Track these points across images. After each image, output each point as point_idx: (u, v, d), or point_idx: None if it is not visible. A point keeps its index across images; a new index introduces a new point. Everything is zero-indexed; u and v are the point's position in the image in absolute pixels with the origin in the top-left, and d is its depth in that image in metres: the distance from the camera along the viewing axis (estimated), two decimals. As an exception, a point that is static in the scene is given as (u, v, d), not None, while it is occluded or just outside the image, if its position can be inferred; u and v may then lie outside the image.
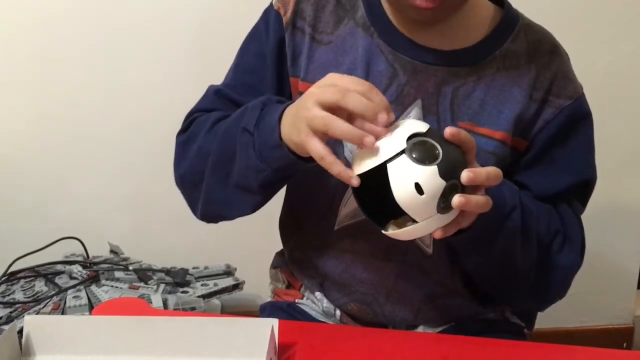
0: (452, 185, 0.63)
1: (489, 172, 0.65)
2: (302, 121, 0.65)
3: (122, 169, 1.54)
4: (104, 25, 1.45)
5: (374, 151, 0.63)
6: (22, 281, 1.35)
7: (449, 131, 0.64)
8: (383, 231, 0.69)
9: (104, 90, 1.48)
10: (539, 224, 0.80)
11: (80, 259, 1.43)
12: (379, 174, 0.63)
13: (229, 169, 0.77)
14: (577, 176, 0.84)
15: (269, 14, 0.85)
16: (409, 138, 0.63)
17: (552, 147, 0.82)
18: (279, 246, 0.97)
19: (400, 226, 0.68)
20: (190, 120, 0.85)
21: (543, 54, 0.82)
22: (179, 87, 1.42)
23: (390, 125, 0.65)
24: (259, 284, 1.12)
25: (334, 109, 0.65)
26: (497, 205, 0.69)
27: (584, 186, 0.85)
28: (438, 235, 0.66)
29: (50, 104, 1.48)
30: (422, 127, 0.65)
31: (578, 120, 0.82)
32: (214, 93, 0.86)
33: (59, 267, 1.39)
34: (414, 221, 0.65)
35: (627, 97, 1.57)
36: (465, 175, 0.63)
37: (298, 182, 0.86)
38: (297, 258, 0.92)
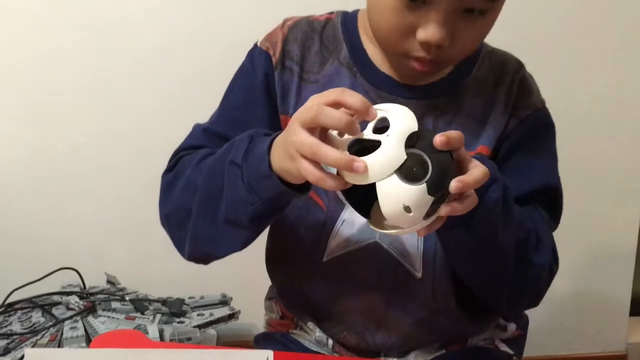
0: (440, 197, 0.63)
1: (477, 178, 0.64)
2: (292, 146, 0.65)
3: (118, 200, 1.56)
4: (101, 57, 1.49)
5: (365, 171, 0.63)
6: (19, 312, 1.36)
7: (439, 141, 0.63)
8: (371, 226, 0.69)
9: (101, 120, 1.52)
10: (517, 212, 0.80)
11: (77, 289, 1.45)
12: (366, 186, 0.63)
13: (216, 204, 0.76)
14: (538, 182, 0.85)
15: (254, 52, 0.87)
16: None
17: (513, 154, 0.85)
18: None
19: (377, 214, 0.68)
20: (177, 159, 0.85)
21: (508, 73, 0.86)
22: (177, 117, 1.45)
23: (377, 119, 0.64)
24: (255, 313, 1.12)
25: (319, 128, 0.65)
26: None
27: (548, 193, 0.86)
28: (422, 234, 0.66)
29: (47, 133, 1.52)
30: (411, 122, 0.64)
31: (538, 129, 0.86)
32: (201, 131, 0.87)
33: (56, 297, 1.40)
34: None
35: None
36: (454, 186, 0.63)
37: (283, 215, 0.86)
38: (287, 292, 0.94)
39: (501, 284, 0.81)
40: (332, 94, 0.65)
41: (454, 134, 0.64)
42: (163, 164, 0.90)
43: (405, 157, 0.62)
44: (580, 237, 1.65)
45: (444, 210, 0.64)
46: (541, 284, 0.85)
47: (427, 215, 0.64)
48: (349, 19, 0.87)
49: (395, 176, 0.61)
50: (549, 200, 0.87)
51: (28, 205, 1.55)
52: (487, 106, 0.85)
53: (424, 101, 0.82)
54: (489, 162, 0.75)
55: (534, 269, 0.82)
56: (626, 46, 1.59)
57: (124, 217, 1.57)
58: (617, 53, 1.59)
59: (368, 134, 0.64)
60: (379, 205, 0.65)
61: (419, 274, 0.85)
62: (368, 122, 0.65)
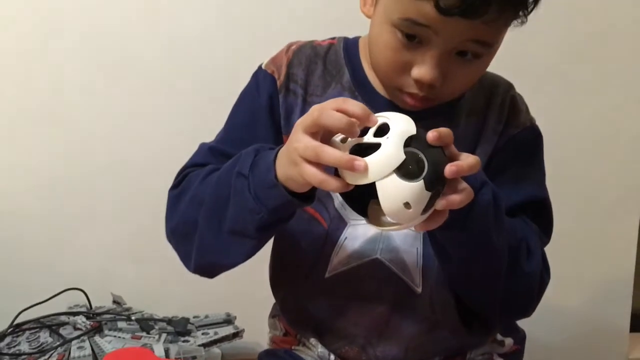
0: (436, 192, 0.66)
1: (470, 164, 0.67)
2: (295, 153, 0.67)
3: (123, 221, 1.58)
4: (109, 88, 1.52)
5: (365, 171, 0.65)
6: (27, 332, 1.37)
7: (432, 136, 0.66)
8: (370, 224, 0.71)
9: (104, 142, 1.54)
10: (507, 220, 0.82)
11: (83, 309, 1.46)
12: (366, 185, 0.66)
13: (222, 215, 0.78)
14: (526, 194, 0.88)
15: (259, 75, 0.90)
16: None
17: (502, 170, 0.87)
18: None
19: (380, 207, 0.69)
20: (183, 176, 0.88)
21: (498, 94, 0.90)
22: (180, 138, 1.48)
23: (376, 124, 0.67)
24: (258, 331, 1.14)
25: (321, 133, 0.68)
26: (468, 179, 0.70)
27: (536, 205, 0.89)
28: (419, 229, 0.69)
29: (52, 156, 1.54)
30: (409, 126, 0.67)
31: (525, 145, 0.89)
32: (207, 149, 0.89)
33: (63, 318, 1.42)
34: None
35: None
36: (448, 170, 0.65)
37: (284, 233, 0.90)
38: (290, 308, 0.96)
39: (494, 291, 0.83)
40: (333, 102, 0.68)
41: (444, 130, 0.67)
42: (168, 185, 0.91)
43: (404, 157, 0.64)
44: (578, 254, 1.66)
45: (440, 203, 0.66)
46: (533, 293, 0.86)
47: (425, 210, 0.66)
48: (350, 45, 0.91)
49: (394, 175, 0.64)
50: (538, 213, 0.89)
51: (35, 227, 1.56)
52: (479, 126, 0.88)
53: (420, 122, 0.85)
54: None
55: (525, 277, 0.84)
56: (620, 69, 1.62)
57: (129, 238, 1.59)
58: (611, 76, 1.63)
59: (368, 138, 0.67)
60: (375, 204, 0.68)
61: (418, 289, 0.88)
62: (369, 128, 0.67)
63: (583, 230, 1.64)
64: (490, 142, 0.88)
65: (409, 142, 0.65)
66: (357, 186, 0.67)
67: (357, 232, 0.87)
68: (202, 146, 0.91)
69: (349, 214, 0.87)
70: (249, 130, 0.88)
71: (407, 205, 0.64)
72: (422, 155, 0.65)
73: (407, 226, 0.68)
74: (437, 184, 0.65)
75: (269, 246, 0.86)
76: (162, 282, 1.59)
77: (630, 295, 1.74)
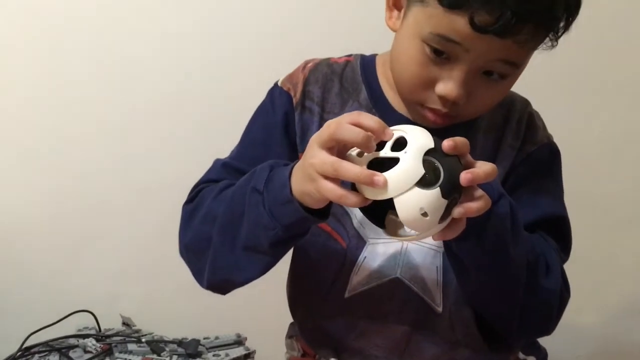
0: (453, 200, 0.65)
1: (486, 171, 0.66)
2: (311, 168, 0.67)
3: (131, 242, 1.57)
4: (116, 107, 1.52)
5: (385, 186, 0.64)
6: (36, 356, 1.35)
7: (447, 145, 0.65)
8: (387, 234, 0.71)
9: (114, 162, 1.54)
10: (525, 235, 0.81)
11: (93, 332, 1.44)
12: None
13: (236, 231, 0.77)
14: (544, 211, 0.87)
15: (275, 92, 0.90)
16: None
17: (519, 187, 0.87)
18: (289, 315, 0.99)
19: (393, 221, 0.71)
20: (197, 191, 0.87)
21: (516, 111, 0.89)
22: (189, 157, 1.48)
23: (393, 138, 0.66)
24: (270, 352, 1.13)
25: (337, 147, 0.67)
26: (485, 190, 0.69)
27: (555, 222, 0.88)
28: (436, 239, 0.68)
29: (60, 177, 1.54)
30: (427, 140, 0.66)
31: (543, 162, 0.89)
32: (221, 165, 0.89)
33: (72, 340, 1.39)
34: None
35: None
36: (465, 177, 0.64)
37: (303, 253, 0.89)
38: (309, 328, 0.95)
39: (512, 307, 0.82)
40: (348, 116, 0.67)
41: (459, 139, 0.66)
42: (175, 205, 0.91)
43: (423, 171, 0.64)
44: (596, 269, 1.65)
45: (457, 211, 0.65)
46: (552, 310, 0.85)
47: (442, 219, 0.65)
48: (367, 63, 0.90)
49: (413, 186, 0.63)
50: (556, 230, 0.88)
51: (42, 250, 1.56)
52: (496, 143, 0.88)
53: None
54: (495, 182, 0.76)
55: (544, 294, 0.83)
56: (628, 87, 1.62)
57: (137, 259, 1.58)
58: (619, 94, 1.62)
59: (385, 152, 0.66)
60: (392, 215, 0.68)
61: (439, 308, 0.87)
62: (385, 142, 0.66)
63: (600, 245, 1.62)
64: (507, 159, 0.88)
65: (426, 154, 0.65)
66: (376, 205, 0.67)
67: (377, 251, 0.86)
68: (217, 162, 0.91)
69: (368, 232, 0.86)
70: (263, 148, 0.88)
71: (424, 214, 0.64)
72: (438, 164, 0.65)
73: (424, 235, 0.67)
74: (453, 192, 0.65)
75: (281, 266, 0.84)
76: (171, 303, 1.58)
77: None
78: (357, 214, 0.86)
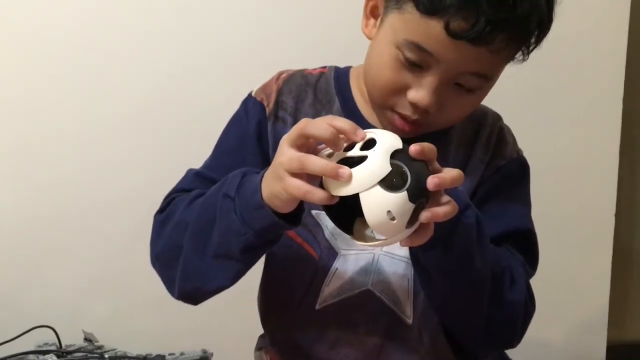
0: (420, 204, 0.66)
1: (453, 176, 0.67)
2: (280, 167, 0.67)
3: (94, 254, 1.54)
4: (82, 115, 1.49)
5: (354, 178, 0.65)
6: (-7, 373, 1.32)
7: (414, 150, 0.66)
8: (353, 239, 0.71)
9: (76, 173, 1.51)
10: (490, 247, 0.82)
11: (53, 347, 1.40)
12: (350, 197, 0.65)
13: (207, 238, 0.77)
14: (511, 225, 0.88)
15: (248, 102, 0.90)
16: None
17: (487, 200, 0.88)
18: (257, 328, 0.98)
19: (360, 230, 0.71)
20: (169, 201, 0.87)
21: (487, 125, 0.91)
22: (155, 168, 1.47)
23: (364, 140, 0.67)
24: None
25: (307, 147, 0.68)
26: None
27: (521, 236, 0.89)
28: (404, 244, 0.68)
29: (20, 187, 1.50)
30: (396, 141, 0.67)
31: (511, 176, 0.90)
32: (194, 175, 0.89)
33: (32, 357, 1.35)
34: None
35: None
36: (431, 181, 0.64)
37: (275, 263, 0.89)
38: (280, 339, 0.94)
39: (476, 317, 0.82)
40: (321, 118, 0.68)
41: (426, 144, 0.67)
42: (139, 218, 0.90)
43: (389, 169, 0.64)
44: (556, 285, 1.68)
45: (424, 215, 0.65)
46: (516, 323, 0.86)
47: (409, 223, 0.66)
48: (341, 74, 0.91)
49: (378, 186, 0.64)
50: (523, 244, 0.89)
51: (2, 264, 1.52)
52: (466, 156, 0.89)
53: None
54: (461, 191, 0.78)
55: (509, 306, 0.84)
56: (590, 104, 1.67)
57: (101, 273, 1.55)
58: (582, 111, 1.67)
59: (355, 151, 0.67)
60: (360, 222, 0.69)
61: (409, 320, 0.87)
62: (356, 144, 0.67)
63: (559, 262, 1.65)
64: (477, 172, 0.89)
65: (394, 155, 0.66)
66: (342, 202, 0.67)
67: (348, 263, 0.87)
68: (189, 172, 0.91)
69: (340, 243, 0.87)
70: (236, 157, 0.88)
71: (391, 217, 0.64)
72: (405, 168, 0.65)
73: (392, 241, 0.67)
74: (420, 196, 0.65)
75: (247, 279, 0.84)
76: (135, 317, 1.55)
77: (605, 328, 1.76)
78: (328, 225, 0.86)
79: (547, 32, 0.79)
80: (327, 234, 0.86)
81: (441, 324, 0.88)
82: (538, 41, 0.79)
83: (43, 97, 1.48)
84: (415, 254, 0.78)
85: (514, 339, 0.88)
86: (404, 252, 0.84)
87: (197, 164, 0.93)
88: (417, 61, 0.76)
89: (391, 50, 0.77)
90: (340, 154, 0.67)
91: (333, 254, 0.86)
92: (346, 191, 0.65)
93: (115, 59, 1.49)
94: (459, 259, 0.76)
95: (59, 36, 1.47)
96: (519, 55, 0.80)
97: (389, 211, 0.64)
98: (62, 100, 1.49)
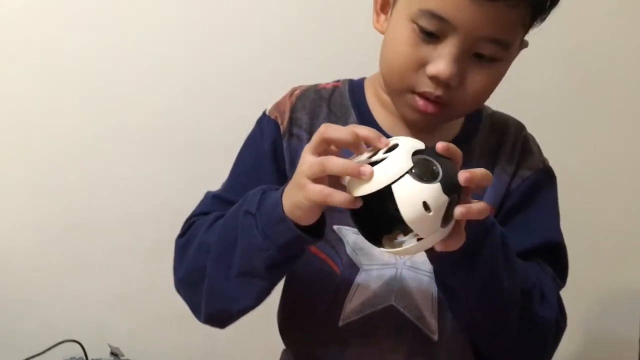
0: (453, 199, 0.64)
1: (483, 172, 0.65)
2: (301, 175, 0.67)
3: (120, 269, 1.55)
4: (100, 123, 1.51)
5: (375, 176, 0.63)
6: (21, 388, 1.33)
7: (440, 146, 0.65)
8: (387, 249, 0.68)
9: (103, 188, 1.53)
10: (519, 264, 0.80)
11: (80, 362, 1.42)
12: (380, 196, 0.64)
13: (231, 257, 0.76)
14: (540, 238, 0.86)
15: (263, 121, 0.90)
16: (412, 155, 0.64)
17: (515, 212, 0.86)
18: (281, 343, 0.97)
19: (391, 240, 0.69)
20: (189, 224, 0.87)
21: (510, 135, 0.89)
22: (180, 183, 1.47)
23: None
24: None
25: (328, 151, 0.67)
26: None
27: (551, 249, 0.87)
28: (439, 247, 0.66)
29: (46, 203, 1.52)
30: (418, 144, 0.66)
31: (538, 187, 0.88)
32: (212, 198, 0.88)
33: (59, 371, 1.37)
34: (405, 234, 0.67)
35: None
36: (462, 176, 0.63)
37: (296, 279, 0.88)
38: (302, 357, 0.93)
39: (506, 336, 0.80)
40: (344, 127, 0.67)
41: (452, 145, 0.66)
42: (164, 235, 0.89)
43: (412, 164, 0.63)
44: (585, 298, 1.64)
45: (458, 210, 0.63)
46: (547, 339, 0.84)
47: (445, 220, 0.64)
48: (355, 86, 0.90)
49: (408, 176, 0.63)
50: (553, 256, 0.87)
51: (28, 278, 1.54)
52: (490, 167, 0.86)
53: None
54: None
55: (539, 323, 0.81)
56: (621, 108, 1.63)
57: (127, 288, 1.55)
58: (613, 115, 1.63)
59: (377, 156, 0.66)
60: (389, 239, 0.67)
61: (435, 336, 0.85)
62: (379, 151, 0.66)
63: (590, 275, 1.61)
64: (502, 184, 0.87)
65: (417, 153, 0.65)
66: (370, 215, 0.65)
67: (371, 278, 0.85)
68: (207, 195, 0.90)
69: (362, 258, 0.85)
70: (253, 176, 0.87)
71: (426, 207, 0.62)
72: (434, 161, 0.64)
73: (427, 243, 0.65)
74: (453, 190, 0.64)
75: (272, 294, 0.83)
76: (161, 332, 1.55)
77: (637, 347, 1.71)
78: (349, 240, 0.85)
79: None
80: (348, 249, 0.85)
81: (470, 343, 0.86)
82: (552, 3, 0.77)
83: (70, 112, 1.50)
84: (441, 276, 0.77)
85: (545, 355, 0.85)
86: (428, 265, 0.82)
87: (221, 177, 0.92)
88: (433, 30, 0.74)
89: (406, 24, 0.76)
90: (363, 160, 0.66)
91: (355, 269, 0.85)
92: (369, 189, 0.63)
93: (143, 74, 1.51)
94: (485, 279, 0.74)
95: (84, 53, 1.48)
96: (535, 22, 0.78)
97: (424, 202, 0.62)
98: (90, 115, 1.50)
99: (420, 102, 0.78)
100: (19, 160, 1.50)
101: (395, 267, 0.85)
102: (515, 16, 0.75)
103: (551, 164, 0.92)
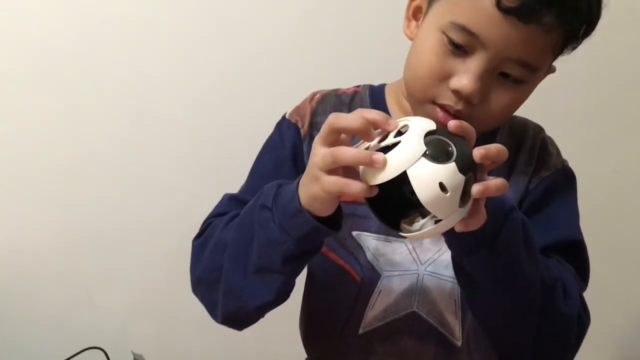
0: (469, 177, 0.63)
1: (497, 147, 0.65)
2: (314, 167, 0.66)
3: (142, 277, 1.56)
4: (122, 140, 1.51)
5: (389, 162, 0.63)
6: (46, 395, 1.34)
7: (453, 124, 0.64)
8: (406, 234, 0.67)
9: (124, 197, 1.53)
10: (542, 259, 0.79)
11: (103, 369, 1.43)
12: (395, 182, 0.63)
13: (248, 253, 0.75)
14: (560, 235, 0.85)
15: (283, 124, 0.89)
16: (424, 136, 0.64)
17: (534, 211, 0.85)
18: (303, 351, 0.97)
19: (409, 224, 0.68)
20: (206, 225, 0.86)
21: (528, 137, 0.88)
22: (199, 191, 1.47)
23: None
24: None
25: (338, 141, 0.66)
26: (496, 202, 0.68)
27: (571, 246, 0.85)
28: (459, 228, 0.65)
29: (70, 212, 1.53)
30: (429, 124, 0.65)
31: (558, 187, 0.87)
32: (228, 199, 0.88)
33: (83, 379, 1.38)
34: (423, 217, 0.66)
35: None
36: (477, 152, 0.63)
37: (316, 287, 0.87)
38: None
39: (525, 331, 0.78)
40: (351, 113, 0.67)
41: (465, 122, 0.65)
42: (185, 242, 0.89)
43: (424, 147, 0.62)
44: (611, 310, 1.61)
45: (476, 189, 0.62)
46: (570, 336, 0.82)
47: (462, 200, 0.63)
48: (376, 92, 0.89)
49: (423, 159, 0.62)
50: (573, 254, 0.86)
51: (52, 286, 1.55)
52: (509, 168, 0.85)
53: None
54: (506, 196, 0.73)
55: (562, 319, 0.80)
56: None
57: (149, 295, 1.56)
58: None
59: (388, 140, 0.65)
60: (406, 224, 0.67)
61: (458, 342, 0.84)
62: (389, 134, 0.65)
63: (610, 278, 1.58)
64: (521, 185, 0.85)
65: (429, 134, 0.64)
66: (387, 202, 0.65)
67: (392, 284, 0.84)
68: (225, 196, 0.90)
69: (383, 265, 0.84)
70: (273, 180, 0.85)
71: (443, 188, 0.61)
72: (448, 141, 0.63)
73: (446, 224, 0.64)
74: (468, 169, 0.63)
75: (296, 297, 0.82)
76: (183, 339, 1.55)
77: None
78: (370, 246, 0.84)
79: (595, 23, 0.76)
80: (369, 255, 0.84)
81: (494, 348, 0.84)
82: (586, 32, 0.76)
83: (94, 121, 1.50)
84: (460, 261, 0.75)
85: (568, 354, 0.83)
86: (450, 271, 0.81)
87: (239, 182, 0.92)
88: (462, 43, 0.73)
89: (436, 34, 0.75)
90: (374, 146, 0.65)
91: (376, 275, 0.84)
92: (384, 177, 0.62)
93: (160, 82, 1.50)
94: (505, 263, 0.72)
95: (109, 64, 1.49)
96: (566, 50, 0.77)
97: (440, 183, 0.61)
98: (107, 124, 1.51)
99: (440, 114, 0.77)
100: (43, 172, 1.52)
101: (417, 273, 0.84)
102: (547, 41, 0.74)
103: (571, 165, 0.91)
